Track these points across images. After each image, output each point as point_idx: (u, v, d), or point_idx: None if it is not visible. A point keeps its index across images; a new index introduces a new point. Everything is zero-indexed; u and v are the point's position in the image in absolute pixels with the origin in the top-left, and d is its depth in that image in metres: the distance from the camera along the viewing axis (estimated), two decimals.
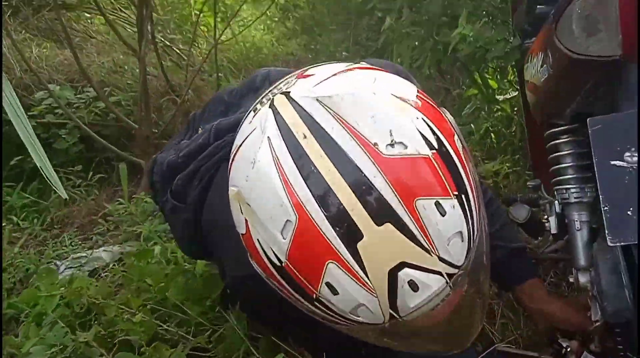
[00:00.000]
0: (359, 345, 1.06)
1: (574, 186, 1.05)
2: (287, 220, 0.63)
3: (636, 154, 0.70)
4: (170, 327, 1.36)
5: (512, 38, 1.72)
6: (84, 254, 2.06)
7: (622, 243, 0.69)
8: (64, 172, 2.68)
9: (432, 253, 0.63)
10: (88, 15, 4.24)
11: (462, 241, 0.66)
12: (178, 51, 3.65)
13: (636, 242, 0.68)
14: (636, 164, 0.70)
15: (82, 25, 4.12)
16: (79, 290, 1.40)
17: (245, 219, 0.70)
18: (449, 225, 0.63)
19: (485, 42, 1.77)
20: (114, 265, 1.95)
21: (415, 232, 0.61)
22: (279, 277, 0.69)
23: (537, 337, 1.29)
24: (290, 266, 0.66)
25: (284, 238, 0.65)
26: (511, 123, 2.01)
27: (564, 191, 1.07)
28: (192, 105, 3.12)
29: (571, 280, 1.08)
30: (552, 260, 1.51)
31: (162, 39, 3.53)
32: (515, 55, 1.72)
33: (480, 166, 1.93)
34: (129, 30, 3.74)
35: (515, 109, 2.04)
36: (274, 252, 0.67)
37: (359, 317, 0.67)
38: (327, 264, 0.63)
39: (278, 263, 0.67)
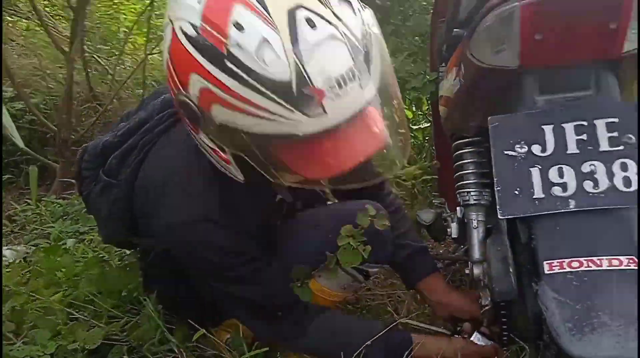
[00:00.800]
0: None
1: (474, 189, 1.20)
2: None
3: (525, 147, 0.85)
4: (83, 315, 1.35)
5: (428, 74, 1.93)
6: None
7: (510, 216, 0.83)
8: None
9: (326, 6, 0.79)
10: (9, 18, 4.10)
11: (355, 15, 0.82)
12: (103, 63, 3.61)
13: (521, 215, 0.83)
14: (524, 154, 0.85)
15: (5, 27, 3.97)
16: None
17: (170, 22, 0.85)
18: None
19: (405, 74, 1.96)
20: (20, 261, 1.87)
21: None
22: (194, 53, 0.80)
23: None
24: (204, 25, 0.79)
25: (198, 3, 0.80)
26: (422, 150, 2.21)
27: (465, 194, 1.21)
28: (114, 114, 3.09)
29: (467, 272, 1.22)
30: (452, 260, 1.68)
31: (89, 49, 3.48)
32: (430, 87, 1.92)
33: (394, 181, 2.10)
34: (56, 35, 3.65)
35: (427, 138, 2.24)
36: (191, 24, 0.81)
37: (266, 67, 0.76)
38: (235, 6, 0.77)
39: (194, 33, 0.80)
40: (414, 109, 2.26)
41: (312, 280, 1.31)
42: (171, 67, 0.87)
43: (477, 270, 1.18)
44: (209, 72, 0.79)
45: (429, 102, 2.14)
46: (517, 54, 0.86)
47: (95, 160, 1.32)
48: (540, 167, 0.83)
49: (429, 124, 2.26)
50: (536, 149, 0.85)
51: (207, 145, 0.94)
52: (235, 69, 0.77)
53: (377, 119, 0.85)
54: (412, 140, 2.28)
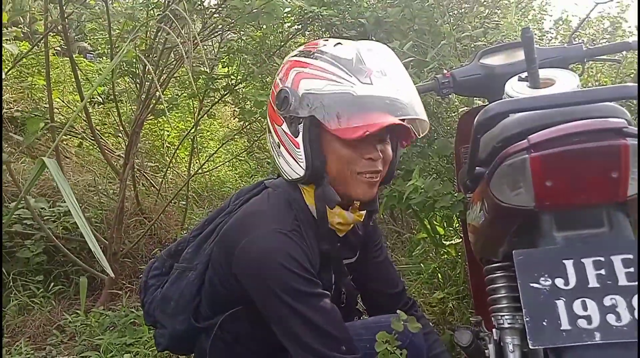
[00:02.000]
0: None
1: (507, 313, 1.26)
2: None
3: (549, 280, 0.94)
4: None
5: (456, 193, 2.04)
6: None
7: (539, 347, 0.90)
8: (23, 281, 2.71)
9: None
10: (65, 137, 4.49)
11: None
12: (149, 178, 3.88)
13: (550, 346, 0.89)
14: (549, 287, 0.93)
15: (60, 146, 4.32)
16: None
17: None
18: None
19: (434, 194, 2.08)
20: None
21: None
22: (296, 56, 1.30)
23: None
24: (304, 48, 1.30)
25: None
26: (456, 266, 2.28)
27: (500, 318, 1.27)
28: (159, 228, 3.27)
29: None
30: None
31: (137, 165, 3.77)
32: (459, 206, 2.02)
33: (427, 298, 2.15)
34: (108, 153, 3.96)
35: (460, 253, 2.32)
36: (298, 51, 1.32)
37: (339, 51, 1.25)
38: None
39: (300, 48, 1.32)
40: (444, 225, 2.35)
41: None
42: (277, 78, 1.31)
43: None
44: (303, 61, 1.25)
45: (459, 219, 2.24)
46: (532, 197, 0.97)
47: (166, 263, 1.46)
48: (564, 299, 0.91)
49: (460, 240, 2.34)
50: (559, 282, 0.93)
51: (284, 133, 1.26)
52: (320, 55, 1.24)
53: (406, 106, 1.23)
54: (445, 255, 2.36)
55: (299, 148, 1.23)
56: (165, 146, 4.77)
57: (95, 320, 2.38)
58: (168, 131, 4.79)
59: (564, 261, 0.94)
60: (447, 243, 2.38)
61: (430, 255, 2.45)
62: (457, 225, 2.32)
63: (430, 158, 2.26)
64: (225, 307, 1.34)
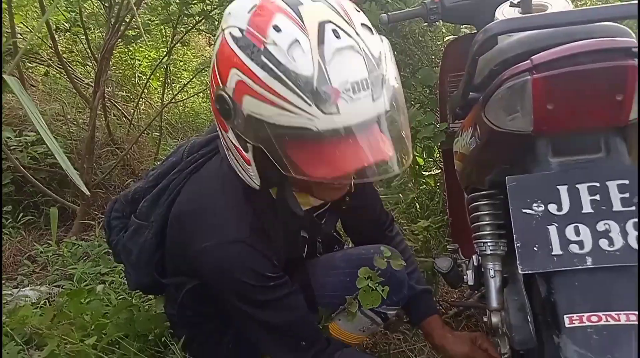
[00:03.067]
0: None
1: (490, 240, 1.26)
2: (254, 5, 0.98)
3: (542, 205, 0.92)
4: None
5: (438, 123, 2.01)
6: (9, 292, 2.02)
7: (529, 271, 0.89)
8: None
9: (351, 25, 0.94)
10: (29, 64, 4.25)
11: (374, 37, 0.98)
12: (121, 108, 3.74)
13: (540, 271, 0.88)
14: (541, 213, 0.91)
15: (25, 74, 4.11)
16: (23, 319, 1.40)
17: (222, 31, 1.01)
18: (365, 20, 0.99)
19: (416, 124, 2.04)
20: (44, 303, 1.92)
21: (341, 12, 0.96)
22: (236, 50, 0.95)
23: None
24: (249, 28, 0.95)
25: (247, 12, 0.97)
26: (434, 196, 2.28)
27: (482, 245, 1.27)
28: (132, 158, 3.18)
29: (485, 319, 1.27)
30: (469, 306, 1.72)
31: (107, 95, 3.61)
32: (441, 136, 2.00)
33: (408, 226, 2.17)
34: (77, 82, 3.79)
35: (438, 184, 2.32)
36: (238, 29, 0.97)
37: (294, 61, 0.90)
38: (276, 14, 0.94)
39: (240, 35, 0.96)
40: (424, 156, 2.33)
41: (331, 323, 1.36)
42: (215, 67, 1.01)
43: (495, 318, 1.22)
44: (246, 65, 0.93)
45: (439, 150, 2.22)
46: (531, 121, 0.93)
47: (125, 208, 1.40)
48: (557, 225, 0.89)
49: (439, 171, 2.33)
50: (552, 208, 0.91)
51: (233, 144, 1.05)
52: (268, 62, 0.91)
53: (384, 136, 0.97)
54: (424, 186, 2.35)
55: (250, 165, 1.05)
56: (137, 75, 4.59)
57: (68, 250, 2.34)
58: (139, 60, 4.60)
59: (558, 187, 0.92)
60: (426, 173, 2.37)
61: (409, 185, 2.44)
62: (438, 155, 2.30)
63: (413, 87, 2.20)
64: (186, 279, 1.30)
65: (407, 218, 2.33)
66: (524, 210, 0.92)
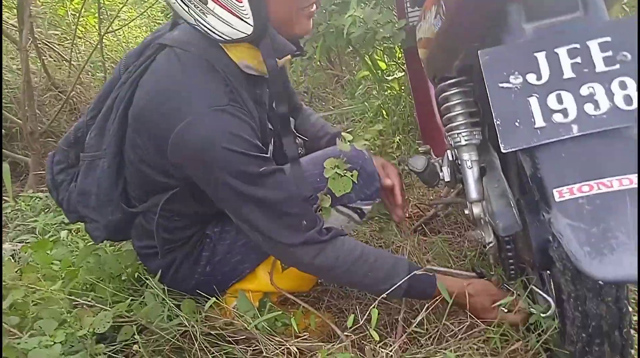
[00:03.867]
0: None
1: (464, 130, 1.19)
2: None
3: (520, 77, 0.84)
4: (87, 301, 1.32)
5: (397, 22, 1.89)
6: None
7: (513, 149, 0.82)
8: None
9: None
10: None
11: None
12: (57, 49, 3.46)
13: (524, 146, 0.82)
14: (520, 85, 0.84)
15: None
16: None
17: None
18: None
19: (374, 25, 1.92)
20: (9, 258, 1.82)
21: None
22: None
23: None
24: None
25: None
26: (400, 100, 2.19)
27: (456, 136, 1.20)
28: (79, 101, 2.99)
29: (466, 212, 1.23)
30: (448, 203, 1.69)
31: (40, 36, 3.33)
32: (400, 35, 1.89)
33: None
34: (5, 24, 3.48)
35: (403, 87, 2.22)
36: None
37: None
38: None
39: None
40: (386, 59, 2.22)
41: None
42: None
43: (476, 209, 1.18)
44: None
45: (401, 50, 2.11)
46: None
47: (69, 154, 1.28)
48: (537, 96, 0.82)
49: (403, 74, 2.23)
50: (531, 78, 0.83)
51: None
52: None
53: None
54: (389, 91, 2.26)
55: (241, 2, 1.03)
56: (69, 14, 4.25)
57: (27, 204, 2.21)
58: None
59: (535, 54, 0.84)
60: (390, 78, 2.27)
61: (374, 93, 2.34)
62: (400, 56, 2.20)
63: None
64: (162, 190, 1.22)
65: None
66: (501, 84, 0.84)
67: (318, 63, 2.85)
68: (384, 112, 2.23)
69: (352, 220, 1.34)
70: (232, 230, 1.27)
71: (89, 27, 4.21)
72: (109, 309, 1.24)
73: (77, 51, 3.61)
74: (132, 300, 1.29)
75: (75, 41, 3.53)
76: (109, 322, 1.13)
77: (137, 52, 1.22)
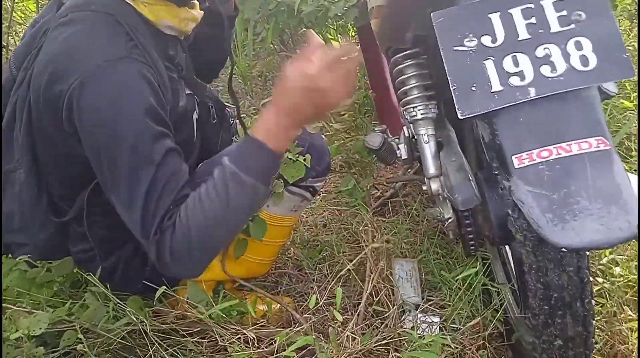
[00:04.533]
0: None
1: (420, 104, 1.15)
2: None
3: (474, 39, 0.80)
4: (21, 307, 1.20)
5: None
6: None
7: (470, 115, 0.78)
8: None
9: None
10: None
11: None
12: None
13: (481, 112, 0.78)
14: (475, 47, 0.79)
15: None
16: None
17: None
18: None
19: (325, 2, 1.86)
20: None
21: None
22: None
23: None
24: None
25: None
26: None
27: (412, 110, 1.16)
28: None
29: (425, 188, 1.19)
30: (406, 181, 1.66)
31: None
32: (353, 12, 1.83)
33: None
34: None
35: (358, 67, 2.17)
36: None
37: None
38: None
39: None
40: (339, 38, 2.17)
41: (262, 211, 1.25)
42: None
43: (434, 185, 1.14)
44: None
45: (354, 28, 2.06)
46: None
47: None
48: (493, 58, 0.78)
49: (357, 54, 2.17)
50: (486, 40, 0.79)
51: None
52: None
53: None
54: None
55: None
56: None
57: None
58: None
59: (489, 15, 0.80)
60: (344, 58, 2.22)
61: None
62: (354, 34, 2.15)
63: None
64: (83, 182, 1.09)
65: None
66: (455, 48, 0.80)
67: (271, 46, 2.77)
68: None
69: (304, 199, 1.29)
70: None
71: (28, 12, 3.99)
72: (46, 312, 1.13)
73: (17, 37, 3.41)
74: (72, 302, 1.19)
75: (13, 27, 3.34)
76: (46, 323, 1.03)
77: (26, 47, 1.09)
